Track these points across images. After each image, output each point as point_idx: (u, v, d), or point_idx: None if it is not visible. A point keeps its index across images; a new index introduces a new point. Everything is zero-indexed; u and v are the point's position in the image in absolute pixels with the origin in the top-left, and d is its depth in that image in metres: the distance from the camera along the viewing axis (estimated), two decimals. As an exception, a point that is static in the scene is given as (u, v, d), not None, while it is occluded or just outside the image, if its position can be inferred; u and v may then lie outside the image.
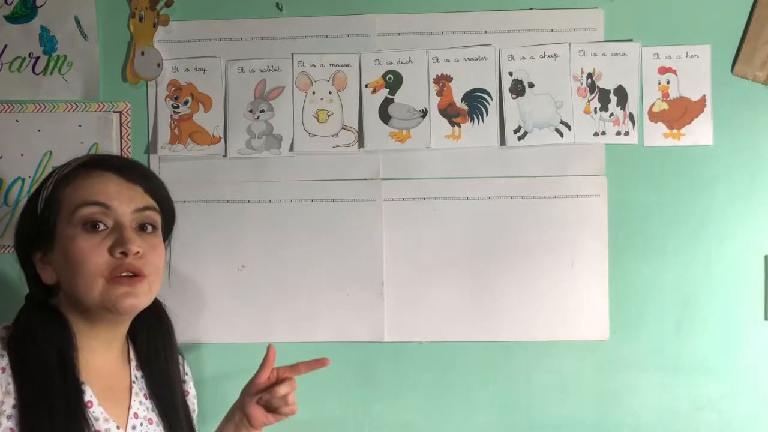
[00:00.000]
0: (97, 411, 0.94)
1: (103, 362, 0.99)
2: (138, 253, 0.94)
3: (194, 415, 1.15)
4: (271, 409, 1.11)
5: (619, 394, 1.40)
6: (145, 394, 1.03)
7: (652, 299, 1.40)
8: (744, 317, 1.40)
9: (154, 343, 1.07)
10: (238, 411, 1.12)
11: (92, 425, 0.92)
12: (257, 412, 1.10)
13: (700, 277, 1.40)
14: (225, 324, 1.41)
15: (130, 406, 1.00)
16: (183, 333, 1.38)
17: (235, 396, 1.43)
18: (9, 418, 0.88)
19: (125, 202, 0.97)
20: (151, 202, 1.01)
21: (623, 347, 1.40)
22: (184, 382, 1.13)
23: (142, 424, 1.00)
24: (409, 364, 1.41)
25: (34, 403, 0.89)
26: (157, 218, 1.02)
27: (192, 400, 1.16)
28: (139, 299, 0.95)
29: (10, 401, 0.89)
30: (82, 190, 0.96)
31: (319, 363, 1.13)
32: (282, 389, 1.09)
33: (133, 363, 1.05)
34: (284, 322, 1.41)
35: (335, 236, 1.41)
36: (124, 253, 0.93)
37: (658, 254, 1.40)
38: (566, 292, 1.40)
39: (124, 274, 0.94)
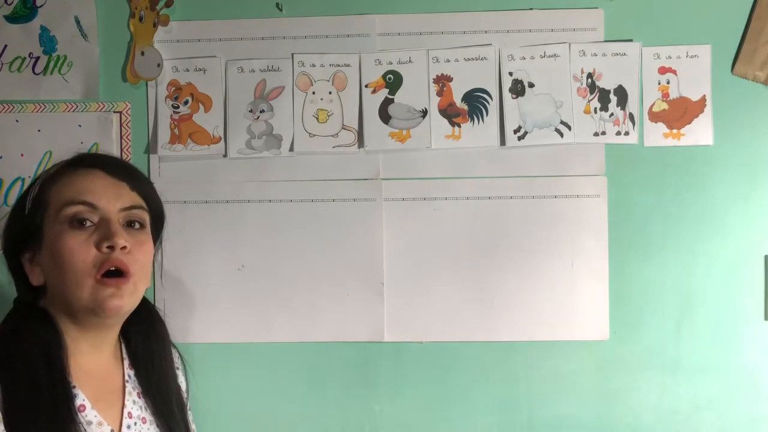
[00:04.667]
0: (90, 414, 0.93)
1: (95, 364, 0.98)
2: (125, 248, 0.93)
3: (187, 409, 1.14)
4: None
5: (618, 394, 1.40)
6: (138, 393, 1.02)
7: (652, 299, 1.40)
8: (744, 317, 1.39)
9: (147, 344, 1.06)
10: None
11: (84, 430, 0.90)
12: None
13: (700, 277, 1.40)
14: (225, 324, 1.41)
15: (123, 406, 0.99)
16: (183, 333, 1.39)
17: (235, 396, 1.44)
18: None
19: (111, 199, 0.96)
20: (139, 200, 1.00)
21: (623, 347, 1.40)
22: (176, 375, 1.13)
23: (136, 424, 0.99)
24: (409, 364, 1.41)
25: (19, 406, 0.86)
26: (145, 216, 1.01)
27: (183, 394, 1.15)
28: (123, 300, 0.94)
29: None
30: (68, 188, 0.95)
31: None
32: None
33: (126, 362, 1.04)
34: (284, 322, 1.41)
35: (335, 236, 1.41)
36: (111, 248, 0.92)
37: (658, 254, 1.40)
38: (566, 292, 1.40)
39: (112, 268, 0.93)
